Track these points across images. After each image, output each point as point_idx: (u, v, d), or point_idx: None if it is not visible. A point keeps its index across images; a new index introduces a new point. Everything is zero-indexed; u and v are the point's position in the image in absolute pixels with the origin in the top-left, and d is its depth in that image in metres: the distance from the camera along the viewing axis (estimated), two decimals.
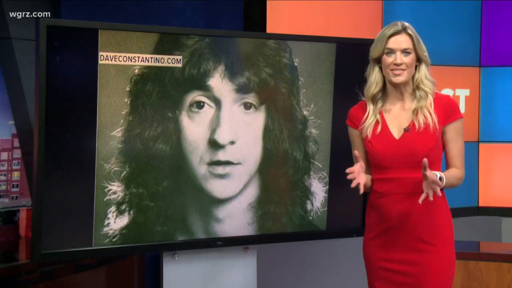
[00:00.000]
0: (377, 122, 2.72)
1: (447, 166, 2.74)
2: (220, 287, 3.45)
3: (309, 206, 3.57)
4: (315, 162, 3.56)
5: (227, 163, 3.37)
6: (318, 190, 3.57)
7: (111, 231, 3.15)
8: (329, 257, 4.35)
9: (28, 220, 3.70)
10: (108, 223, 3.15)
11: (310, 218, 3.58)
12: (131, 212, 3.19)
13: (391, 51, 2.67)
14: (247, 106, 3.40)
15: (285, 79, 3.47)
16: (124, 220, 3.18)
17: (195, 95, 3.28)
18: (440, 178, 2.57)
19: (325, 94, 3.54)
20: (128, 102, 3.14)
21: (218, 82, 3.30)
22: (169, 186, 3.26)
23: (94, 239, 3.12)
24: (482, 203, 5.00)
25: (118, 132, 3.13)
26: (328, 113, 3.55)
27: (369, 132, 2.73)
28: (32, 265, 3.22)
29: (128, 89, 3.13)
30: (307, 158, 3.54)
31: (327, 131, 3.54)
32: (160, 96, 3.20)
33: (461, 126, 2.72)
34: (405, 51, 2.67)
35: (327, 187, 3.58)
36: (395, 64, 2.66)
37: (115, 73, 3.08)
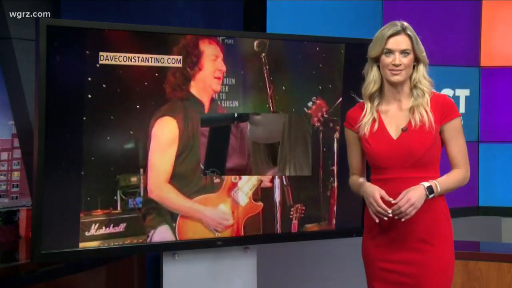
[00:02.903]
0: (374, 120, 2.72)
1: (451, 167, 2.74)
2: (220, 287, 3.43)
3: (316, 213, 3.49)
4: (323, 166, 3.45)
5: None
6: (326, 196, 3.47)
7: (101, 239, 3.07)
8: (329, 257, 4.34)
9: (28, 220, 3.70)
10: (99, 231, 3.06)
11: (317, 225, 3.50)
12: (123, 219, 3.10)
13: (390, 52, 2.67)
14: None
15: (290, 78, 3.36)
16: (115, 229, 3.09)
17: (193, 94, 3.17)
18: (430, 187, 2.61)
19: (334, 94, 3.43)
20: (120, 101, 3.03)
21: (218, 81, 3.20)
22: (165, 191, 3.16)
23: (81, 245, 3.03)
24: (482, 203, 5.00)
25: (109, 133, 3.03)
26: (337, 114, 3.45)
27: (366, 130, 2.72)
28: (32, 265, 3.22)
29: (120, 87, 3.03)
30: (314, 161, 3.43)
31: (335, 133, 3.45)
32: (155, 94, 3.09)
33: (459, 125, 2.71)
34: (404, 52, 2.67)
35: (336, 192, 3.48)
36: (394, 65, 2.66)
37: (114, 72, 3.03)
